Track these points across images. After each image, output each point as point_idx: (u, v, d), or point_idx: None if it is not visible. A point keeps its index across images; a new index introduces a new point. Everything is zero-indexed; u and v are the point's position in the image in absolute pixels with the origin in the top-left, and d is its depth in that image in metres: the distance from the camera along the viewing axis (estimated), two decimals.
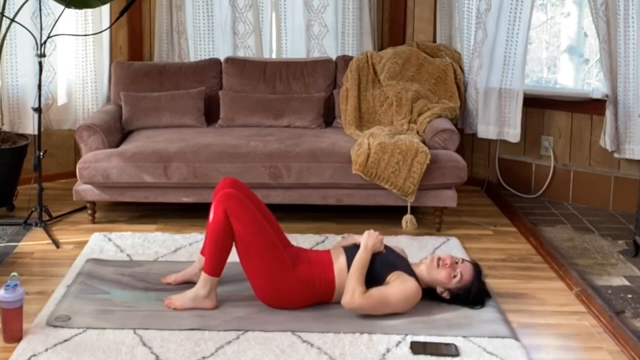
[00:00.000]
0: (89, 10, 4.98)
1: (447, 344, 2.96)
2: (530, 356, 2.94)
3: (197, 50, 5.35)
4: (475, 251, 4.05)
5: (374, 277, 3.22)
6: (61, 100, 5.12)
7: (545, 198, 5.05)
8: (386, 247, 3.42)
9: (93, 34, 5.01)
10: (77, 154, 4.77)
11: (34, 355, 2.84)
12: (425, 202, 4.36)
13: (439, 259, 3.29)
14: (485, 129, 4.96)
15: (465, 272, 3.27)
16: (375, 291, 3.14)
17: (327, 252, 3.37)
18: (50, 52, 4.93)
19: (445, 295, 3.27)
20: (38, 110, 4.27)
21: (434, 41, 5.36)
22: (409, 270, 3.28)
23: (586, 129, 4.92)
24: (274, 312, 3.22)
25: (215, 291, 3.25)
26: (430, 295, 3.29)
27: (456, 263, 3.28)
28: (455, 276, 3.25)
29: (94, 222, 4.45)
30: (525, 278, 3.75)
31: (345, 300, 3.12)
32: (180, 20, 5.27)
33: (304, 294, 3.23)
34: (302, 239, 4.02)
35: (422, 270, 3.31)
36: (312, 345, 2.96)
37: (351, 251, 3.32)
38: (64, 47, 5.07)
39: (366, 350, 2.93)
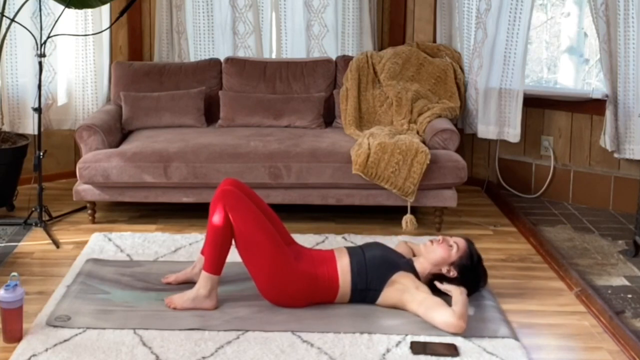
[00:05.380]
0: (89, 10, 4.98)
1: (447, 344, 2.96)
2: (530, 356, 2.95)
3: (197, 50, 5.35)
4: None
5: (378, 276, 3.24)
6: (61, 100, 5.12)
7: (545, 198, 5.05)
8: (385, 246, 3.43)
9: (93, 34, 5.01)
10: (77, 154, 4.77)
11: (34, 355, 2.84)
12: (425, 202, 4.36)
13: (430, 241, 3.36)
14: (485, 129, 4.96)
15: (458, 242, 3.34)
16: (429, 304, 3.14)
17: (331, 251, 3.38)
18: (50, 52, 4.93)
19: (453, 273, 3.27)
20: (38, 110, 4.27)
21: (434, 41, 5.36)
22: (410, 267, 3.31)
23: (586, 129, 4.92)
24: (274, 312, 3.23)
25: (216, 291, 3.25)
26: (436, 288, 3.28)
27: (447, 238, 3.37)
28: (451, 246, 3.30)
29: (94, 222, 4.45)
30: (525, 278, 3.75)
31: (453, 327, 3.05)
32: (180, 20, 5.27)
33: (306, 290, 3.23)
34: (302, 239, 4.01)
35: (422, 261, 3.33)
36: (312, 345, 2.96)
37: (355, 251, 3.33)
38: (64, 47, 5.07)
39: (366, 350, 2.93)
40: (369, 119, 4.88)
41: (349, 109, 4.85)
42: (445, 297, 3.22)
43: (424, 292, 3.18)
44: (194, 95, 4.95)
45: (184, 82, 5.04)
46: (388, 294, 3.23)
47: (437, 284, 3.27)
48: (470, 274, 3.30)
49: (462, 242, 3.34)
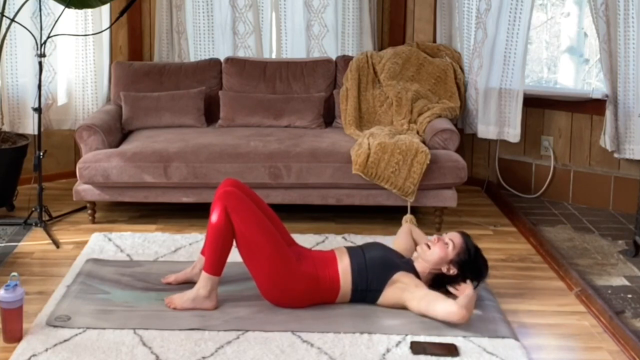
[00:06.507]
0: (89, 10, 4.98)
1: (447, 344, 2.96)
2: (530, 356, 2.95)
3: (197, 50, 5.35)
4: None
5: (378, 277, 3.24)
6: (61, 100, 5.12)
7: (545, 198, 5.05)
8: (385, 246, 3.43)
9: (93, 34, 5.01)
10: (77, 154, 4.77)
11: (34, 355, 2.84)
12: (425, 202, 4.36)
13: (425, 243, 3.35)
14: (485, 129, 4.96)
15: (453, 238, 3.33)
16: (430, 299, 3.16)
17: (331, 251, 3.38)
18: (50, 52, 4.93)
19: (453, 271, 3.28)
20: (38, 110, 4.27)
21: (434, 41, 5.36)
22: (410, 267, 3.31)
23: (586, 129, 4.92)
24: (274, 312, 3.23)
25: (215, 291, 3.25)
26: (439, 287, 3.29)
27: (442, 237, 3.36)
28: (447, 244, 3.29)
29: (94, 222, 4.45)
30: (525, 278, 3.75)
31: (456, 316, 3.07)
32: (180, 20, 5.27)
33: (307, 291, 3.23)
34: (302, 239, 4.01)
35: (420, 262, 3.33)
36: (312, 345, 2.96)
37: (355, 252, 3.33)
38: (64, 47, 5.07)
39: (366, 350, 2.93)
40: (369, 119, 4.88)
41: (349, 109, 4.85)
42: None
43: (424, 289, 3.19)
44: (194, 95, 4.95)
45: (184, 82, 5.04)
46: (388, 294, 3.23)
47: (450, 289, 3.27)
48: (470, 267, 3.30)
49: (457, 238, 3.34)
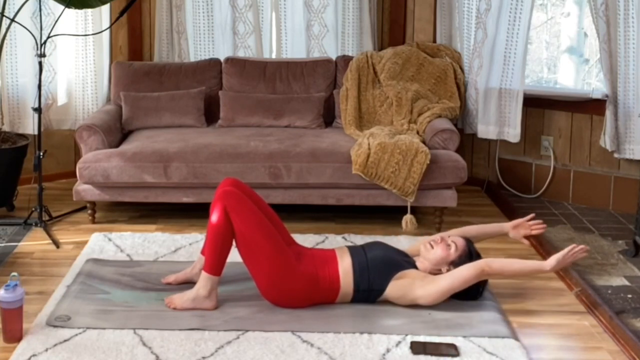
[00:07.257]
0: (89, 10, 4.98)
1: (447, 344, 2.96)
2: (530, 356, 2.95)
3: (197, 50, 5.35)
4: None
5: (380, 277, 3.24)
6: (61, 100, 5.12)
7: (545, 198, 5.05)
8: (387, 245, 3.43)
9: (93, 34, 5.01)
10: (77, 154, 4.77)
11: (34, 355, 2.84)
12: (425, 202, 4.36)
13: (428, 242, 3.36)
14: (485, 129, 4.96)
15: (457, 241, 3.35)
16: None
17: (332, 251, 3.38)
18: (50, 52, 4.93)
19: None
20: (38, 110, 4.27)
21: (434, 41, 5.36)
22: (413, 267, 3.32)
23: (586, 129, 4.92)
24: (274, 312, 3.23)
25: (215, 291, 3.25)
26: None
27: (445, 238, 3.37)
28: (449, 245, 3.31)
29: (94, 222, 4.45)
30: (525, 278, 3.75)
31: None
32: (180, 20, 5.27)
33: (307, 291, 3.23)
34: (302, 239, 4.01)
35: (422, 261, 3.34)
36: (312, 345, 2.96)
37: (356, 251, 3.33)
38: (64, 47, 5.07)
39: (366, 350, 2.93)
40: (369, 119, 4.88)
41: (349, 109, 4.85)
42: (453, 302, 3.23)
43: (431, 276, 3.24)
44: (194, 95, 4.95)
45: (184, 82, 5.04)
46: (393, 289, 3.23)
47: None
48: None
49: (460, 241, 3.35)
